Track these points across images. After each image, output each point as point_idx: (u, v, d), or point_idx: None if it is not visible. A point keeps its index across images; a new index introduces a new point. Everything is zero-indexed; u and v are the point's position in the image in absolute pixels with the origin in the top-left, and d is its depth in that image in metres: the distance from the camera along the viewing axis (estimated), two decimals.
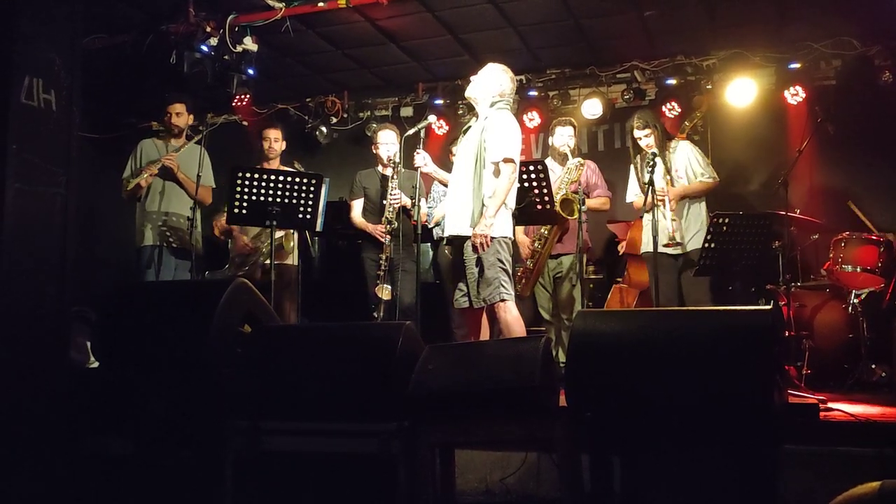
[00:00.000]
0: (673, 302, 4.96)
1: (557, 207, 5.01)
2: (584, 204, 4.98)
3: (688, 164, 5.19)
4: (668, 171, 5.09)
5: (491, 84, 4.36)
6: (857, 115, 5.87)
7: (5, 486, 2.55)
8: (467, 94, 4.51)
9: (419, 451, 2.78)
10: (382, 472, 2.78)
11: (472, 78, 4.49)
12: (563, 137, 5.46)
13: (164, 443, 3.08)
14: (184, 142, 5.49)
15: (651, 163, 4.72)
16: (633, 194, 5.32)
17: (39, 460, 2.69)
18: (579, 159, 5.37)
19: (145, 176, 5.29)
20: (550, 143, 5.67)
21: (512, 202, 4.27)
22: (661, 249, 4.78)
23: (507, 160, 4.13)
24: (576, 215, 5.02)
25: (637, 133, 5.21)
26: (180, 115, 5.51)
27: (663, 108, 6.46)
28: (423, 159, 4.70)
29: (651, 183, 4.65)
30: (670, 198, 4.98)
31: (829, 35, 6.11)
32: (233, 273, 5.52)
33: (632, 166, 5.32)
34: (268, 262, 4.93)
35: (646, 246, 5.09)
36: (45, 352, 2.78)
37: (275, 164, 5.53)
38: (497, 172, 4.15)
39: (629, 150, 5.47)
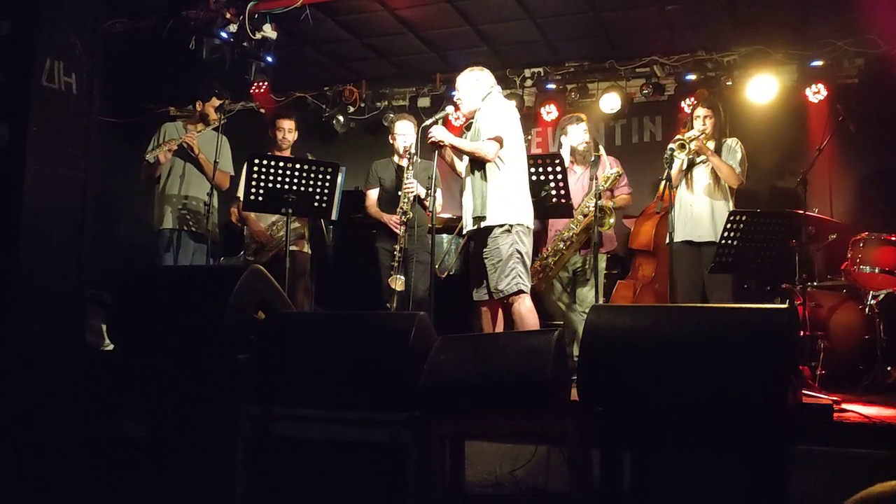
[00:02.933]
0: (694, 296, 4.92)
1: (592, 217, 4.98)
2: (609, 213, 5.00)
3: (726, 153, 5.09)
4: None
5: (473, 89, 4.36)
6: (880, 114, 5.81)
7: (22, 468, 2.58)
8: (465, 114, 4.47)
9: (429, 442, 2.78)
10: (392, 461, 2.79)
11: (456, 103, 4.47)
12: (580, 134, 5.37)
13: (177, 427, 3.10)
14: (204, 127, 5.52)
15: (669, 159, 4.67)
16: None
17: (54, 442, 2.71)
18: (617, 170, 5.28)
19: (164, 149, 5.30)
20: (570, 147, 5.46)
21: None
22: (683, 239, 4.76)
23: (491, 139, 4.13)
24: (606, 227, 4.98)
25: (698, 112, 5.12)
26: (218, 109, 5.51)
27: (682, 104, 6.41)
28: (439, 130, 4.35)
29: (669, 178, 4.60)
30: (699, 144, 4.92)
31: (853, 33, 6.04)
32: (247, 260, 5.56)
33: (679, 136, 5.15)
34: (282, 248, 4.94)
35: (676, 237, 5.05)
36: (62, 334, 2.80)
37: (286, 155, 5.53)
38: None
39: (648, 144, 5.40)
